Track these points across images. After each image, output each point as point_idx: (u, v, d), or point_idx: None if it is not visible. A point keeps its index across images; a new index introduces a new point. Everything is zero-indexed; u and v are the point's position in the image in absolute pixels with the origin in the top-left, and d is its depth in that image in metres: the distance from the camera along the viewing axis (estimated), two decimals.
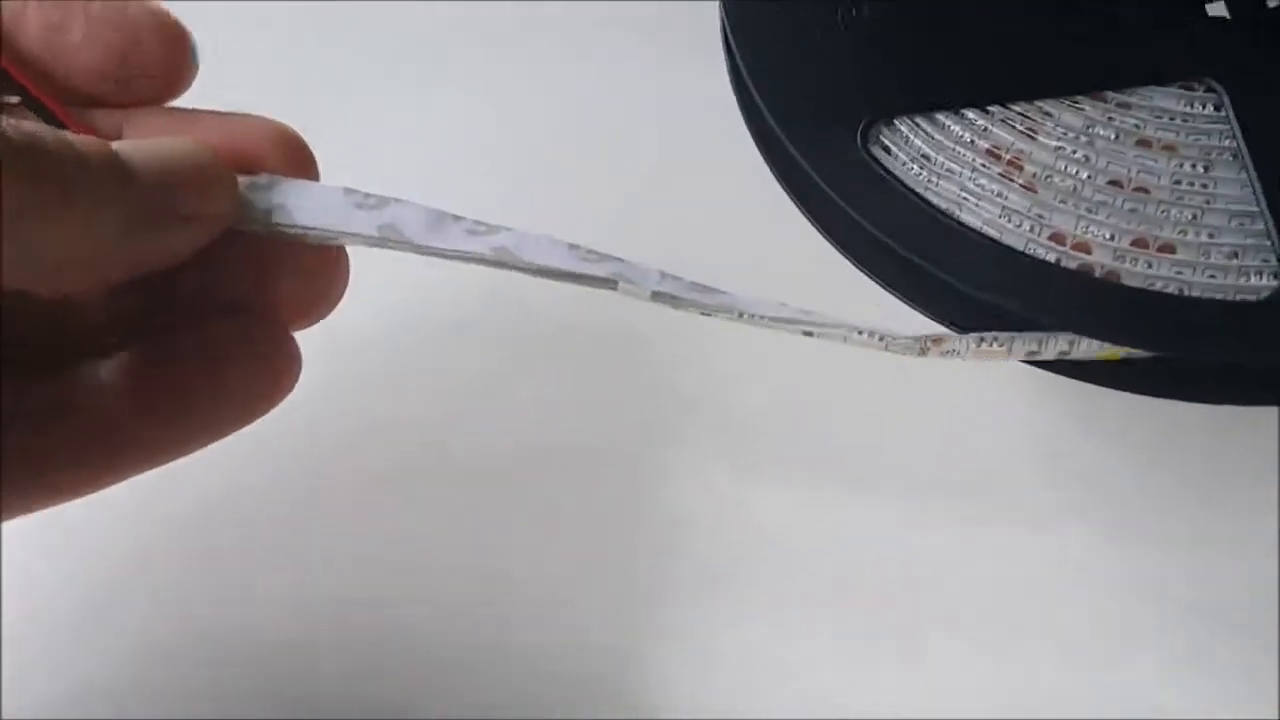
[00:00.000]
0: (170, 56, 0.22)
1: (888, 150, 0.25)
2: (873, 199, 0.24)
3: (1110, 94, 0.25)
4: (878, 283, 0.25)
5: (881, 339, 0.23)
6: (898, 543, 0.27)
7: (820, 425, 0.29)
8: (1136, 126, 0.25)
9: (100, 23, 0.22)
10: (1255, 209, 0.24)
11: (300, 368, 0.23)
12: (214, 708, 0.25)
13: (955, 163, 0.25)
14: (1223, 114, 0.25)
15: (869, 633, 0.26)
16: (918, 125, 0.25)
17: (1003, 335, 0.23)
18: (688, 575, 0.27)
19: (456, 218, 0.22)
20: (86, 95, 0.22)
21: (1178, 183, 0.24)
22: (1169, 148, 0.25)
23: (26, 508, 0.21)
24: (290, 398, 0.23)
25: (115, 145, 0.20)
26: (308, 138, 0.23)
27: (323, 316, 0.24)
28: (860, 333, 0.23)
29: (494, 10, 0.35)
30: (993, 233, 0.24)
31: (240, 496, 0.27)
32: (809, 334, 0.23)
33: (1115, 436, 0.29)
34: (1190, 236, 0.24)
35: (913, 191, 0.24)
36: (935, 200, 0.24)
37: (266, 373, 0.23)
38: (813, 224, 0.26)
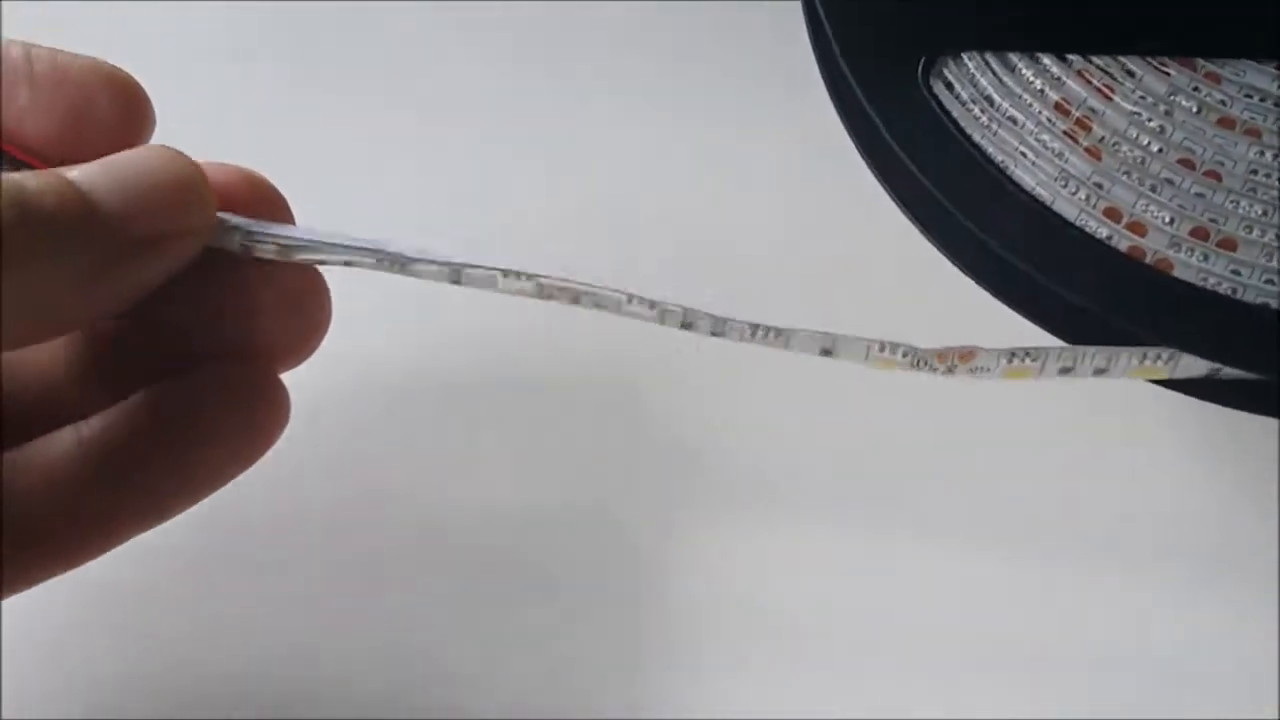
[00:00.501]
0: (125, 113, 0.21)
1: (950, 88, 0.23)
2: (926, 142, 0.23)
3: (1201, 62, 0.23)
4: (923, 233, 0.24)
5: (906, 354, 0.21)
6: (925, 598, 0.26)
7: (832, 472, 0.27)
8: (1223, 103, 0.23)
9: (47, 88, 0.20)
10: None
11: (289, 411, 0.22)
12: (214, 707, 0.24)
13: (1020, 111, 0.23)
14: None
15: (901, 693, 0.25)
16: (987, 64, 0.23)
17: (1035, 350, 0.21)
18: (698, 643, 0.25)
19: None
20: (44, 157, 0.20)
21: (1253, 172, 0.22)
22: (1251, 131, 0.23)
23: (27, 581, 0.20)
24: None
25: (75, 174, 0.19)
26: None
27: (308, 355, 0.22)
28: (883, 348, 0.21)
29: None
30: (1045, 195, 0.22)
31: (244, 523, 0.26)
32: (827, 352, 0.22)
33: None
34: (1255, 234, 0.22)
35: (969, 139, 0.23)
36: (991, 150, 0.23)
37: (256, 419, 0.21)
38: (871, 170, 0.24)
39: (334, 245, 0.21)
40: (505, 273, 0.21)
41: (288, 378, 0.22)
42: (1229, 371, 0.21)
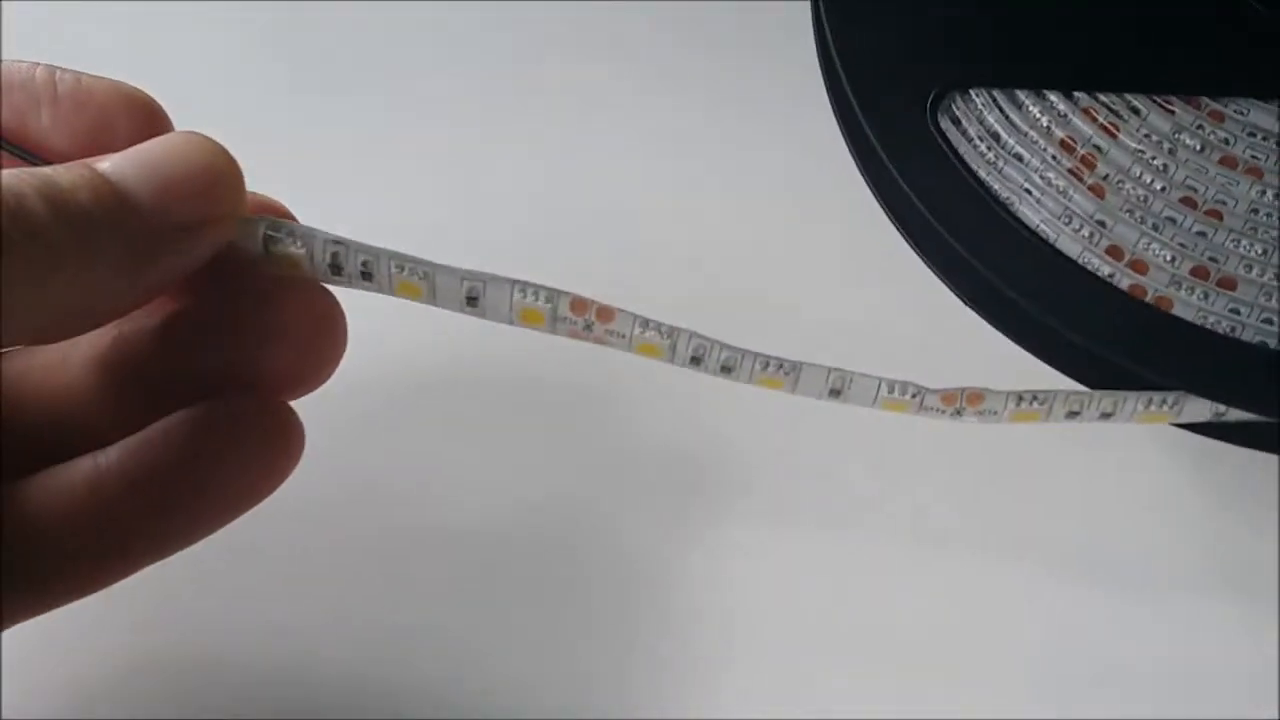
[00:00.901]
0: (144, 132, 0.21)
1: (957, 123, 0.23)
2: (930, 176, 0.23)
3: (1206, 101, 0.23)
4: (927, 263, 0.24)
5: (915, 395, 0.22)
6: (919, 606, 0.26)
7: (824, 475, 0.27)
8: (1226, 141, 0.23)
9: (68, 108, 0.21)
10: None
11: (303, 443, 0.22)
12: (213, 707, 0.25)
13: (1026, 148, 0.23)
14: None
15: (893, 698, 0.25)
16: (994, 101, 0.23)
17: (1042, 394, 0.22)
18: (689, 642, 0.25)
19: None
20: None
21: (1254, 212, 0.23)
22: (1253, 171, 0.23)
23: (37, 609, 0.21)
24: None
25: (106, 166, 0.19)
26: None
27: (321, 383, 0.22)
28: (891, 389, 0.22)
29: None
30: (1049, 233, 0.23)
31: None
32: (836, 393, 0.22)
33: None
34: (1254, 274, 0.22)
35: (974, 175, 0.23)
36: (996, 188, 0.23)
37: (272, 451, 0.21)
38: (876, 198, 0.25)
39: (359, 245, 0.21)
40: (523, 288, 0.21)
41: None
42: (1233, 414, 0.22)
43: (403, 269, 0.21)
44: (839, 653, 0.25)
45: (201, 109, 0.22)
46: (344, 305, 0.22)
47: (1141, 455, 0.27)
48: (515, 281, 0.21)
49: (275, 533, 0.26)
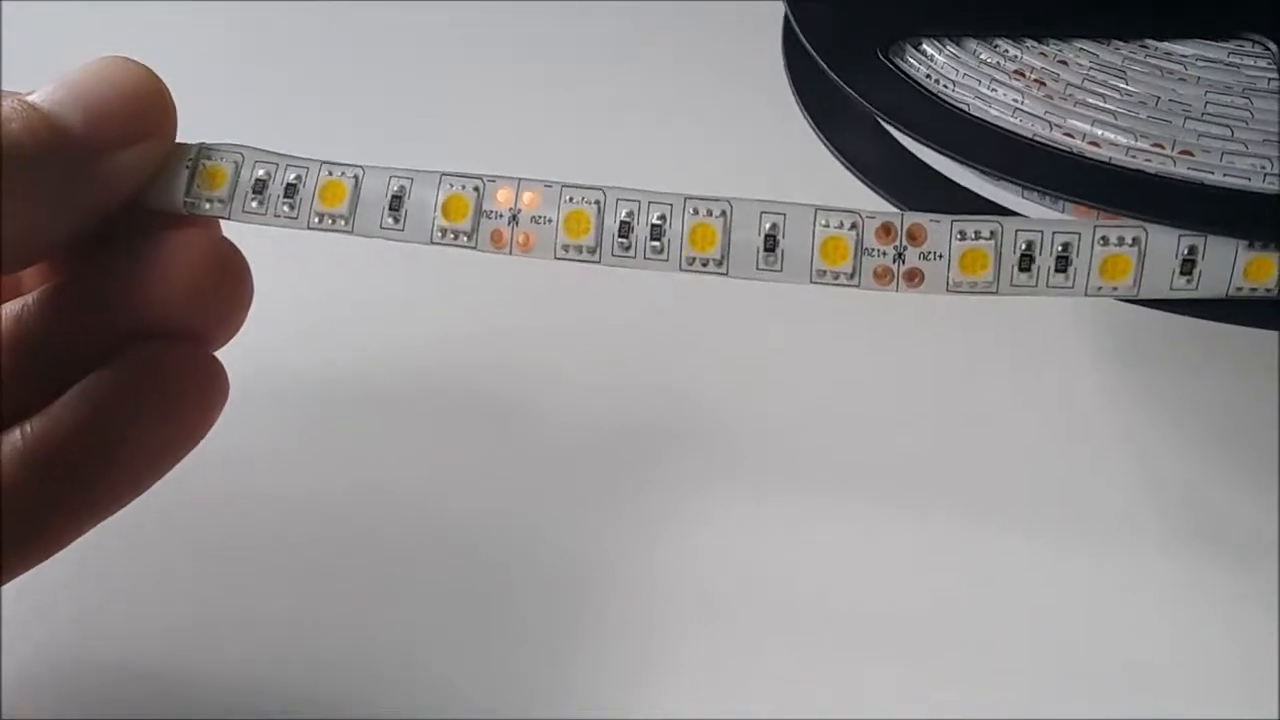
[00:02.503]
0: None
1: (910, 65, 0.24)
2: (880, 90, 0.24)
3: (1153, 43, 0.24)
4: (882, 195, 0.24)
5: (854, 225, 0.21)
6: (905, 582, 0.25)
7: (799, 450, 0.26)
8: (1180, 66, 0.24)
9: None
10: None
11: (227, 385, 0.22)
12: (214, 707, 0.24)
13: (975, 75, 0.24)
14: (1271, 65, 0.23)
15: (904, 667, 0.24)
16: (943, 47, 0.25)
17: (989, 221, 0.20)
18: (656, 628, 0.24)
19: None
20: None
21: (1211, 105, 0.23)
22: (1209, 82, 0.23)
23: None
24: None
25: (36, 97, 0.20)
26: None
27: (232, 332, 0.22)
28: (829, 223, 0.21)
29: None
30: (1003, 125, 0.23)
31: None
32: (771, 243, 0.21)
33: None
34: (1216, 145, 0.22)
35: (930, 92, 0.24)
36: (952, 99, 0.24)
37: (193, 394, 0.21)
38: (827, 147, 0.25)
39: (291, 159, 0.22)
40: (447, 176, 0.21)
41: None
42: (1201, 274, 0.20)
43: (331, 173, 0.22)
44: (802, 627, 0.24)
45: (202, 109, 0.24)
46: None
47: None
48: (444, 174, 0.22)
49: (191, 534, 0.25)
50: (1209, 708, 0.22)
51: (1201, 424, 0.26)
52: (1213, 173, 0.21)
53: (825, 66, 0.24)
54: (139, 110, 0.21)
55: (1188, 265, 0.20)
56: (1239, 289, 0.20)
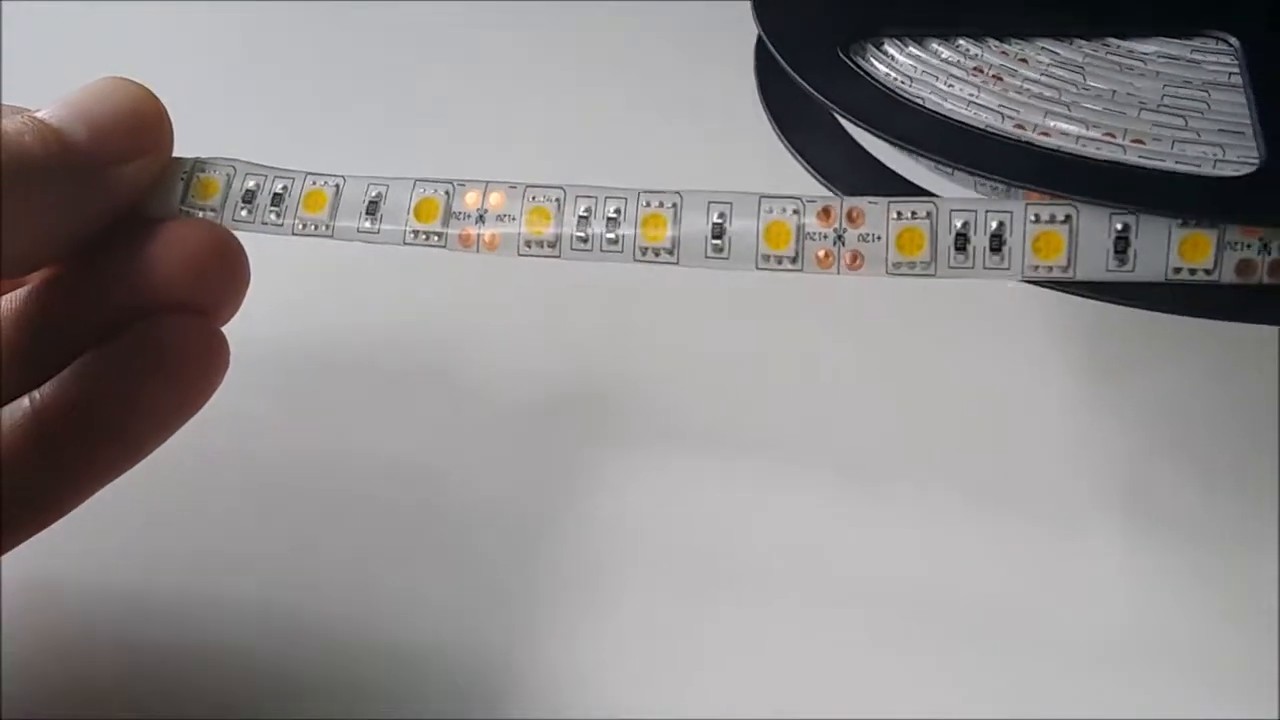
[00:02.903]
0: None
1: (869, 62, 0.25)
2: (837, 86, 0.24)
3: (1114, 40, 0.24)
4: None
5: (795, 211, 0.21)
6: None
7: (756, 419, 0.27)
8: (1140, 63, 0.24)
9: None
10: (1247, 124, 0.22)
11: (228, 354, 0.23)
12: (213, 707, 0.24)
13: (934, 73, 0.24)
14: (1234, 61, 0.23)
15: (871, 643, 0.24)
16: (904, 46, 0.25)
17: (924, 201, 0.21)
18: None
19: None
20: None
21: (1168, 98, 0.23)
22: (1168, 76, 0.23)
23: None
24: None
25: (45, 114, 0.22)
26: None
27: (232, 311, 0.23)
28: (771, 209, 0.21)
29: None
30: (957, 117, 0.23)
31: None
32: (718, 231, 0.21)
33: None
34: (1168, 134, 0.22)
35: (883, 85, 0.24)
36: (907, 94, 0.24)
37: (193, 366, 0.22)
38: (787, 147, 0.25)
39: (279, 171, 0.23)
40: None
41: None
42: (1144, 268, 0.20)
43: (315, 182, 0.23)
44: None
45: (201, 109, 0.25)
46: None
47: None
48: (418, 179, 0.23)
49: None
50: (1209, 707, 0.22)
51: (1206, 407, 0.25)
52: (1163, 160, 0.21)
53: (783, 63, 0.24)
54: (139, 128, 0.22)
55: (1121, 244, 0.20)
56: (1177, 270, 0.20)
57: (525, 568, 0.24)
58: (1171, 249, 0.19)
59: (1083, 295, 0.21)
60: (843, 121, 0.24)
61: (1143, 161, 0.21)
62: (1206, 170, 0.21)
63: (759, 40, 0.27)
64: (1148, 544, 0.24)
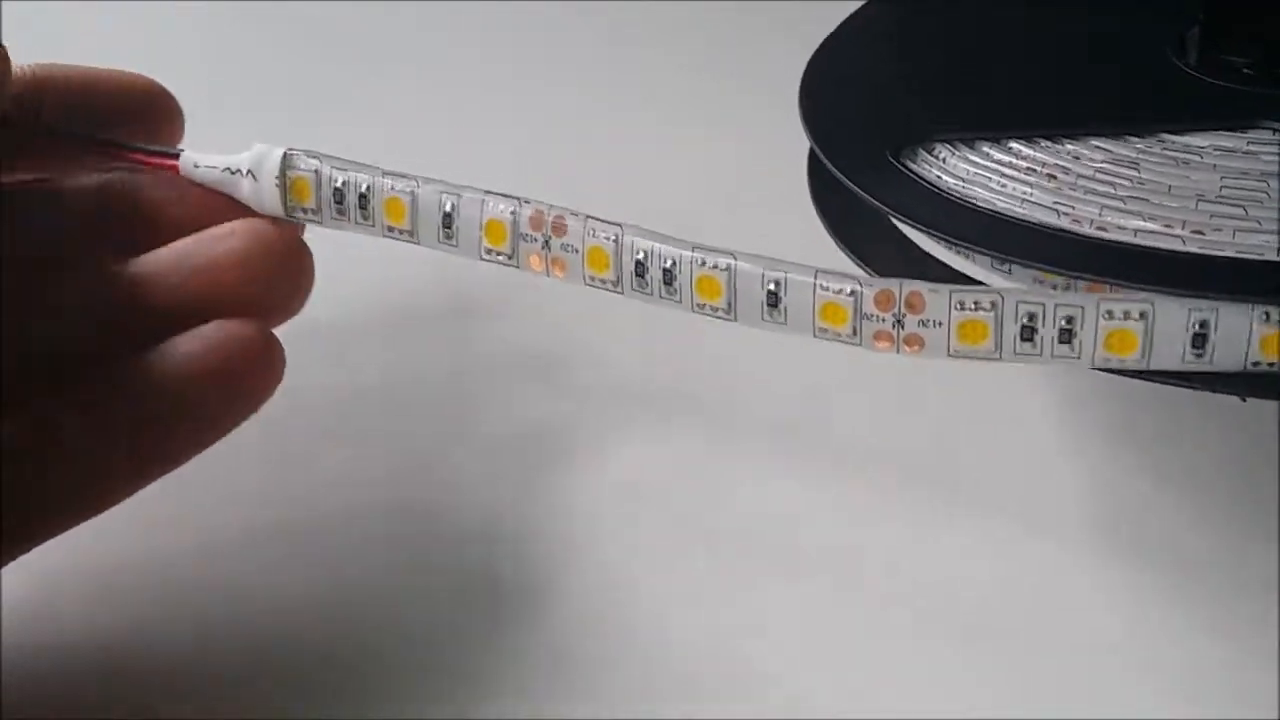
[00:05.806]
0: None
1: (918, 164, 0.25)
2: (889, 190, 0.24)
3: (1168, 136, 0.24)
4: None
5: (852, 292, 0.21)
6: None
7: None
8: (1196, 156, 0.24)
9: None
10: None
11: (284, 361, 0.23)
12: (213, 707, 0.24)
13: (986, 173, 0.24)
14: None
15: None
16: (955, 150, 0.25)
17: (989, 292, 0.20)
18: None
19: None
20: None
21: (1227, 189, 0.22)
22: (1225, 169, 0.23)
23: (63, 524, 0.22)
24: None
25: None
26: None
27: (294, 310, 0.24)
28: (828, 287, 0.21)
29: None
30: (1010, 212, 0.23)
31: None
32: (774, 300, 0.22)
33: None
34: (1228, 224, 0.22)
35: (940, 189, 0.24)
36: (955, 194, 0.24)
37: (255, 369, 0.23)
38: (841, 247, 0.25)
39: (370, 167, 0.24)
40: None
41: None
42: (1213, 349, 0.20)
43: (392, 187, 0.24)
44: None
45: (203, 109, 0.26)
46: None
47: None
48: (488, 193, 0.24)
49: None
50: (1209, 707, 0.21)
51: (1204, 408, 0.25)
52: (1223, 249, 0.21)
53: (834, 169, 0.25)
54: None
55: (1199, 340, 0.20)
56: (1255, 363, 0.19)
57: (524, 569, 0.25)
58: (1253, 343, 0.19)
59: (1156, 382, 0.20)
60: (898, 224, 0.24)
61: (1204, 252, 0.21)
62: (1270, 257, 0.20)
63: (811, 150, 0.27)
64: (1142, 546, 0.24)
